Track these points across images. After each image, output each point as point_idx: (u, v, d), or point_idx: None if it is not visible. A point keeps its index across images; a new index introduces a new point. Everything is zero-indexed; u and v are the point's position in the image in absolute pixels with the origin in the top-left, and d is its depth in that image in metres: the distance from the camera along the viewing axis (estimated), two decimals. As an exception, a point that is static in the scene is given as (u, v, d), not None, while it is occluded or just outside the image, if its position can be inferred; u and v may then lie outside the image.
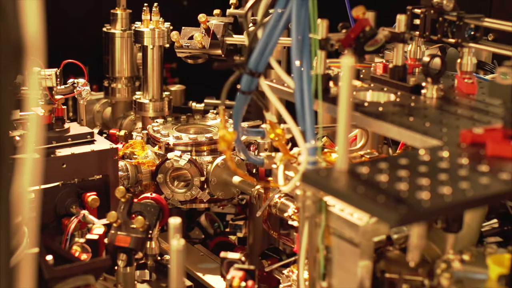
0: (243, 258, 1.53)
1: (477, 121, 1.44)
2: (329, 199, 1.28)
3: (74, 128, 2.04)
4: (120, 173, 2.09)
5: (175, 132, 2.28)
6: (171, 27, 2.44)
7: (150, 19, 2.42)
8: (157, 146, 2.25)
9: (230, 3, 2.35)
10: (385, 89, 1.65)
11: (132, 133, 2.42)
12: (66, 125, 2.01)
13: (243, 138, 2.10)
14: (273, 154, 1.50)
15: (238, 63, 1.43)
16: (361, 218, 1.23)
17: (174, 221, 1.32)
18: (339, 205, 1.26)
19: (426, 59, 1.60)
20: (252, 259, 2.20)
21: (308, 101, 1.36)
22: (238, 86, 1.44)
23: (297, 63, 1.37)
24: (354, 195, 1.09)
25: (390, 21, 1.67)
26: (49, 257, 1.48)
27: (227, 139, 1.38)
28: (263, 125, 1.51)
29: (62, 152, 1.94)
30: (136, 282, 1.81)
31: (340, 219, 1.26)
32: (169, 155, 2.18)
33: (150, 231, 1.77)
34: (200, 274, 2.18)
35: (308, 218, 1.30)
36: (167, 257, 1.94)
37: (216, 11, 2.36)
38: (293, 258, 1.92)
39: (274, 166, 1.49)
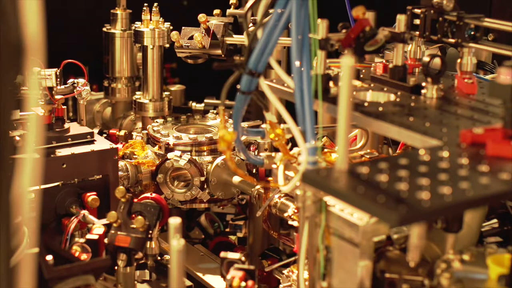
0: (243, 258, 1.53)
1: (477, 121, 1.44)
2: (329, 199, 1.28)
3: (74, 128, 2.03)
4: (120, 173, 2.09)
5: (175, 132, 2.28)
6: (171, 27, 2.44)
7: (150, 19, 2.42)
8: (157, 146, 2.25)
9: (230, 3, 2.35)
10: (385, 89, 1.65)
11: (132, 133, 2.42)
12: (66, 125, 2.01)
13: (243, 138, 2.10)
14: (273, 154, 1.50)
15: (238, 63, 1.43)
16: (361, 218, 1.23)
17: (174, 221, 1.32)
18: (339, 205, 1.26)
19: (426, 59, 1.60)
20: (252, 259, 2.20)
21: (308, 101, 1.36)
22: (238, 86, 1.44)
23: (297, 63, 1.37)
24: (354, 195, 1.09)
25: (390, 21, 1.67)
26: (49, 257, 1.48)
27: (227, 139, 1.38)
28: (263, 125, 1.51)
29: (62, 152, 1.94)
30: (136, 282, 1.81)
31: (340, 219, 1.26)
32: (169, 155, 2.18)
33: (150, 231, 1.77)
34: (200, 274, 2.18)
35: (308, 218, 1.30)
36: (167, 257, 1.94)
37: (216, 11, 2.36)
38: (293, 258, 1.92)
39: (274, 166, 1.49)
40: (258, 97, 1.47)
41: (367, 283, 1.24)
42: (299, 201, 1.31)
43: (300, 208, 1.32)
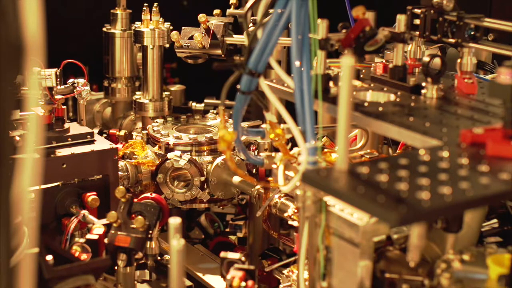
0: (243, 258, 1.53)
1: (477, 121, 1.44)
2: (329, 199, 1.28)
3: (74, 128, 2.03)
4: (120, 173, 2.09)
5: (175, 132, 2.28)
6: (171, 27, 2.44)
7: (150, 19, 2.42)
8: (157, 146, 2.25)
9: (230, 3, 2.35)
10: (385, 89, 1.65)
11: (132, 133, 2.42)
12: (66, 125, 2.01)
13: (243, 138, 2.09)
14: (273, 154, 1.50)
15: (238, 63, 1.43)
16: (361, 218, 1.23)
17: (174, 221, 1.32)
18: (339, 205, 1.26)
19: (426, 59, 1.60)
20: (252, 259, 2.20)
21: (308, 101, 1.36)
22: (238, 86, 1.44)
23: (297, 63, 1.36)
24: (354, 195, 1.09)
25: (390, 21, 1.67)
26: (49, 257, 1.48)
27: (227, 139, 1.38)
28: (263, 125, 1.51)
29: (62, 152, 1.94)
30: (136, 282, 1.81)
31: (340, 219, 1.26)
32: (169, 155, 2.18)
33: (150, 231, 1.77)
34: (200, 274, 2.18)
35: (308, 218, 1.30)
36: (167, 257, 1.94)
37: (216, 11, 2.36)
38: (293, 258, 1.92)
39: (274, 166, 1.49)
40: (258, 97, 1.47)
41: (367, 283, 1.25)
42: (299, 201, 1.31)
43: (300, 208, 1.32)
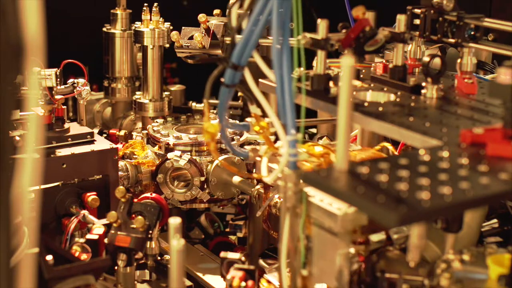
0: (243, 258, 1.53)
1: (477, 121, 1.44)
2: (309, 190, 1.28)
3: (74, 128, 2.04)
4: (120, 173, 2.09)
5: (175, 132, 2.28)
6: (171, 27, 2.44)
7: (150, 19, 2.42)
8: (157, 146, 2.25)
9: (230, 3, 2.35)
10: (385, 89, 1.65)
11: (132, 133, 2.42)
12: (66, 125, 2.01)
13: (243, 138, 2.10)
14: (257, 147, 1.51)
15: (221, 57, 1.43)
16: (340, 208, 1.24)
17: (174, 221, 1.32)
18: (319, 196, 1.27)
19: (426, 59, 1.60)
20: (252, 259, 2.20)
21: (288, 92, 1.34)
22: (222, 80, 1.44)
23: (278, 46, 1.34)
24: (354, 195, 1.09)
25: (390, 21, 1.67)
26: (49, 257, 1.48)
27: (211, 131, 1.39)
28: (248, 119, 1.51)
29: (62, 152, 1.94)
30: (136, 282, 1.81)
31: (320, 209, 1.27)
32: (169, 155, 2.18)
33: (150, 231, 1.77)
34: (200, 274, 2.18)
35: (289, 208, 1.31)
36: (167, 257, 1.94)
37: (216, 11, 2.36)
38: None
39: (258, 158, 1.50)
40: (243, 90, 1.48)
41: (346, 272, 1.25)
42: (281, 192, 1.31)
43: (282, 198, 1.32)
